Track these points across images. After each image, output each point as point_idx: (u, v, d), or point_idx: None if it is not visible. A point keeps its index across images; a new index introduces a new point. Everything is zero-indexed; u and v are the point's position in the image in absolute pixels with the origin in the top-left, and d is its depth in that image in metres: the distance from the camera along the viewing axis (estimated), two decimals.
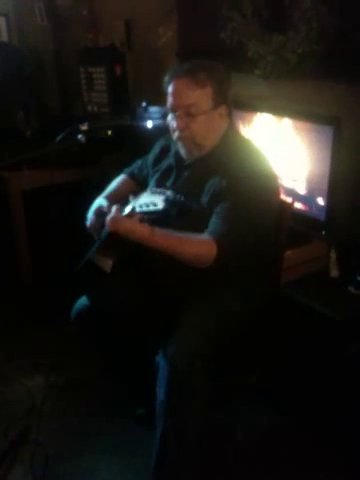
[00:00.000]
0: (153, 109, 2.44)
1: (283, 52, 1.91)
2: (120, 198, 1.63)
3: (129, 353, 1.66)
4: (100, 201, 1.63)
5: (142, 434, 1.73)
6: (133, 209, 1.34)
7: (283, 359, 1.74)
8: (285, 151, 2.03)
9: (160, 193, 1.39)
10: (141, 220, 1.29)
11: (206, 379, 1.39)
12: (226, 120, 1.52)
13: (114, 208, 1.37)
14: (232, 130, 1.57)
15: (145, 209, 1.29)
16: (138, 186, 1.75)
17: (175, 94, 1.45)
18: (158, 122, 2.34)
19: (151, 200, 1.30)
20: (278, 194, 1.54)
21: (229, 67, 2.17)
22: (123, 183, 1.77)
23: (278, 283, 1.68)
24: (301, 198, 1.99)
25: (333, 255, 1.88)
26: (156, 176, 1.64)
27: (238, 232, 1.36)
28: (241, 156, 1.47)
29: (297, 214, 1.89)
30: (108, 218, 1.36)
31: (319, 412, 1.73)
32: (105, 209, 1.55)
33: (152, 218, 1.32)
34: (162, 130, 1.86)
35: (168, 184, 1.57)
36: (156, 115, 2.40)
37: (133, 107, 2.61)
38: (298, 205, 1.98)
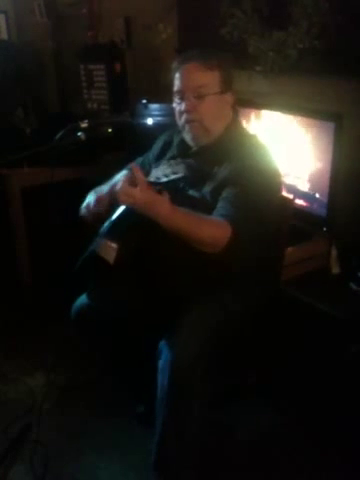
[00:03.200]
0: (153, 106, 2.42)
1: (284, 48, 1.91)
2: None
3: (129, 353, 1.65)
4: (102, 187, 1.61)
5: (142, 432, 1.72)
6: (154, 182, 1.26)
7: (283, 358, 1.73)
8: (286, 147, 2.02)
9: (179, 163, 1.29)
10: (160, 191, 1.23)
11: (206, 379, 1.38)
12: (231, 110, 1.52)
13: (123, 175, 1.32)
14: (237, 123, 1.57)
15: (164, 180, 1.22)
16: None
17: (185, 76, 1.47)
18: (158, 119, 2.33)
19: (171, 170, 1.24)
20: (280, 191, 1.53)
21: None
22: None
23: (279, 281, 1.67)
24: (302, 194, 1.98)
25: (334, 252, 1.87)
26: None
27: (248, 218, 1.34)
28: (248, 148, 1.46)
29: (298, 211, 1.88)
30: (121, 190, 1.28)
31: (319, 412, 1.72)
32: (104, 193, 1.55)
33: (172, 187, 1.26)
34: (162, 127, 1.85)
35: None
36: (156, 112, 2.40)
37: (133, 104, 2.59)
38: (299, 201, 1.97)
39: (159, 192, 1.26)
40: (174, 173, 1.22)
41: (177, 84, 1.49)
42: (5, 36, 3.69)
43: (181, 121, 1.50)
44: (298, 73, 1.93)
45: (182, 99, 1.48)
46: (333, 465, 1.59)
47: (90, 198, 1.59)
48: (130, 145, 2.39)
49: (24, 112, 2.92)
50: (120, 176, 1.71)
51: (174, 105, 1.51)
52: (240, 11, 2.03)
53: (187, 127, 1.49)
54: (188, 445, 1.43)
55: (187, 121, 1.47)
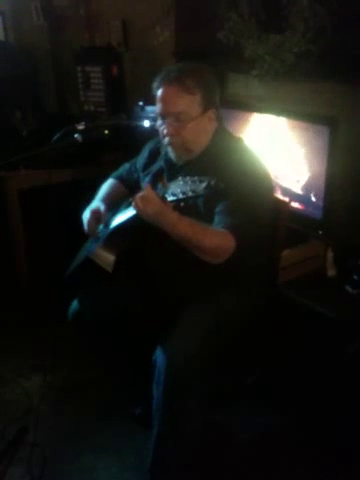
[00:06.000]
0: (150, 108, 2.43)
1: (280, 52, 1.91)
2: (114, 202, 1.63)
3: (127, 353, 1.66)
4: (97, 203, 1.62)
5: (140, 434, 1.72)
6: (164, 197, 1.29)
7: (282, 359, 1.74)
8: (282, 151, 2.04)
9: (197, 181, 1.27)
10: (174, 208, 1.27)
11: (204, 379, 1.39)
12: (215, 122, 1.51)
13: (145, 184, 1.32)
14: (222, 131, 1.55)
15: (181, 197, 1.25)
16: (128, 189, 1.73)
17: (164, 101, 1.45)
18: (155, 121, 2.34)
19: (189, 188, 1.24)
20: (272, 192, 1.54)
21: (226, 67, 2.19)
22: (113, 187, 1.76)
23: (276, 282, 1.69)
24: (298, 197, 2.00)
25: (330, 254, 1.89)
26: (147, 179, 1.63)
27: (246, 224, 1.36)
28: (234, 155, 1.47)
29: (294, 213, 1.90)
30: (138, 196, 1.31)
31: (318, 412, 1.73)
32: (103, 211, 1.55)
33: (185, 205, 1.30)
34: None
35: (160, 186, 1.57)
36: (153, 114, 2.40)
37: (130, 106, 2.61)
38: (295, 204, 1.99)
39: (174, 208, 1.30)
40: (192, 191, 1.25)
41: (158, 106, 1.47)
42: (2, 38, 3.70)
43: (164, 141, 1.49)
44: (294, 77, 1.95)
45: (163, 120, 1.47)
46: (332, 465, 1.60)
47: (86, 216, 1.60)
48: (127, 147, 2.40)
49: (21, 113, 2.92)
50: (105, 187, 1.73)
51: (157, 124, 1.50)
52: (237, 15, 2.03)
53: (169, 148, 1.50)
54: (186, 445, 1.44)
55: (169, 143, 1.48)
